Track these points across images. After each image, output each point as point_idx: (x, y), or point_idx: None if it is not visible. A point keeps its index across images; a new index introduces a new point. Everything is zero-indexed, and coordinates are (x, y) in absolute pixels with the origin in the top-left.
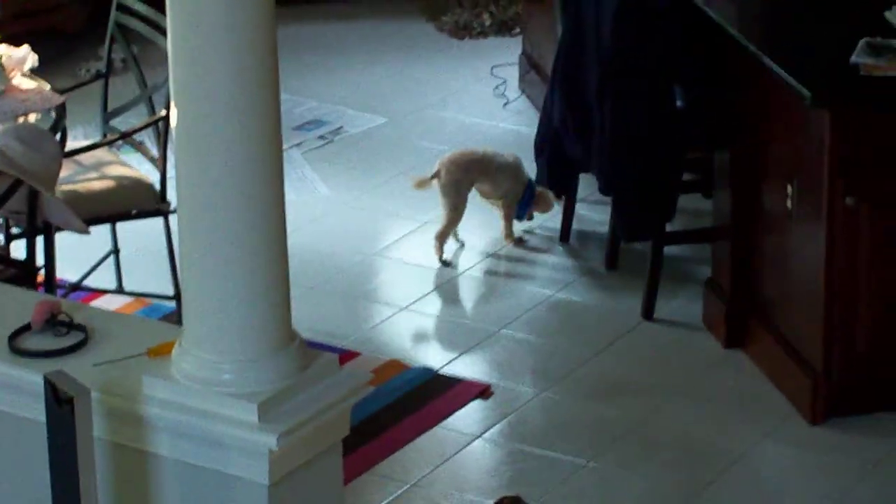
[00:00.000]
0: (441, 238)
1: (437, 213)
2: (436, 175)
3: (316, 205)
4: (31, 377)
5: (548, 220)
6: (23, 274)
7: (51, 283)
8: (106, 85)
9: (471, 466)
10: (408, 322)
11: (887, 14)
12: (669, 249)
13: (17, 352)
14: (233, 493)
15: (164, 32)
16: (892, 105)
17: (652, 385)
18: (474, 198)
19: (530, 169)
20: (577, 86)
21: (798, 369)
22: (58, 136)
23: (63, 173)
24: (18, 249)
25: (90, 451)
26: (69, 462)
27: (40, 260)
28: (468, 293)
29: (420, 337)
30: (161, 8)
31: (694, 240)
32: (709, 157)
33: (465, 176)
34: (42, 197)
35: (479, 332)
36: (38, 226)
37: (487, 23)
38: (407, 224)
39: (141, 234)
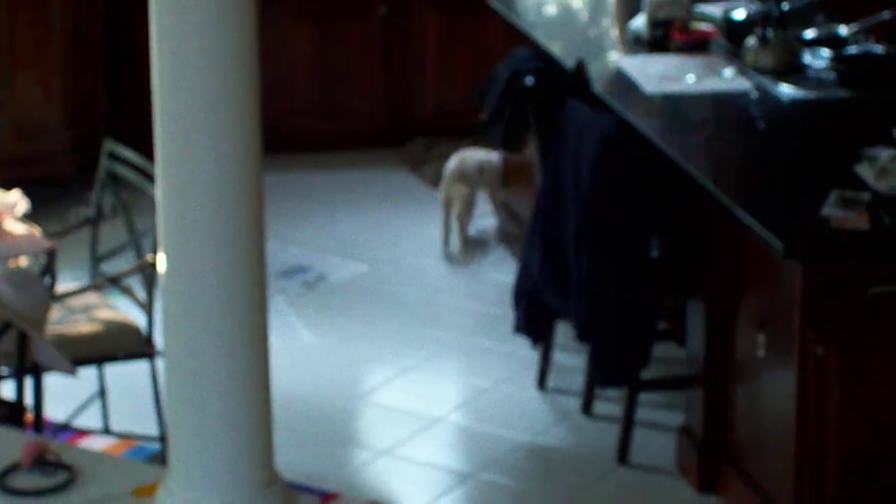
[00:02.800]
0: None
1: (416, 359)
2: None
3: (299, 351)
4: None
5: (526, 368)
6: (11, 414)
7: (39, 423)
8: (95, 230)
9: None
10: (387, 466)
11: (857, 168)
12: (644, 396)
13: (6, 490)
14: None
15: (153, 180)
16: (861, 258)
17: None
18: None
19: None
20: (555, 235)
21: None
22: (47, 280)
23: (52, 316)
24: (7, 390)
25: None
26: None
27: (29, 400)
28: (447, 438)
29: (399, 481)
30: (151, 156)
31: (668, 387)
32: (683, 306)
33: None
34: (31, 339)
35: (457, 476)
36: (27, 366)
37: None
38: (387, 369)
39: (127, 376)
